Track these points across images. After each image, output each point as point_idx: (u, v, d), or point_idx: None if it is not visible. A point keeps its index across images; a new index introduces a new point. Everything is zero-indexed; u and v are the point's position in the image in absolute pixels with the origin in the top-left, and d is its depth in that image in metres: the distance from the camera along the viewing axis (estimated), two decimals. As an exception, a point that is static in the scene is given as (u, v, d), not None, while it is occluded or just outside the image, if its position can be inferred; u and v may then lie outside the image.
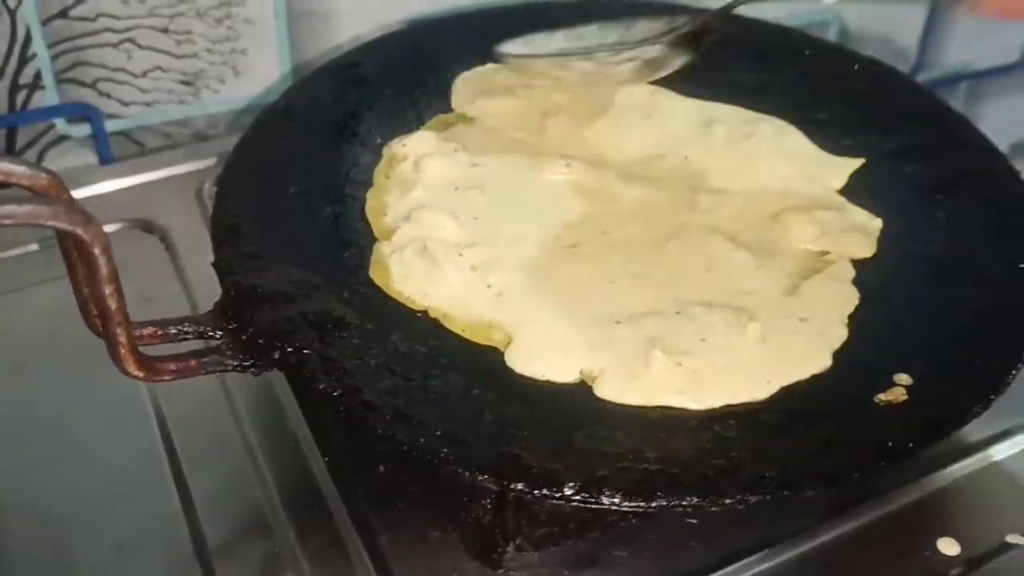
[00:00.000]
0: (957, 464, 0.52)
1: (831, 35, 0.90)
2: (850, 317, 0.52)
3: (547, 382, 0.48)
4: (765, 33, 0.71)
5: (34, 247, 0.62)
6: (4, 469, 0.50)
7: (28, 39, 0.66)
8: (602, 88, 0.66)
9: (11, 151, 0.69)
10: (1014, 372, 0.46)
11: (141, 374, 0.42)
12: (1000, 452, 0.53)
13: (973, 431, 0.47)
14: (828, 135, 0.64)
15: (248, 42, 0.72)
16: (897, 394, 0.46)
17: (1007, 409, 0.46)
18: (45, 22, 0.66)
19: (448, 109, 0.65)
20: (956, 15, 0.95)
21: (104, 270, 0.37)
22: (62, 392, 0.54)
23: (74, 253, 0.40)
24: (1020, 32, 1.01)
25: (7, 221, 0.34)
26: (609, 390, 0.47)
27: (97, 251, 0.37)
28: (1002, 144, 0.62)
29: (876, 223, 0.58)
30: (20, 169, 0.37)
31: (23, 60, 0.66)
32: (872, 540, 0.49)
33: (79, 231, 0.36)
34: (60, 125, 0.70)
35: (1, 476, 0.49)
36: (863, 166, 0.62)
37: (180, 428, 0.52)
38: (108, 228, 0.62)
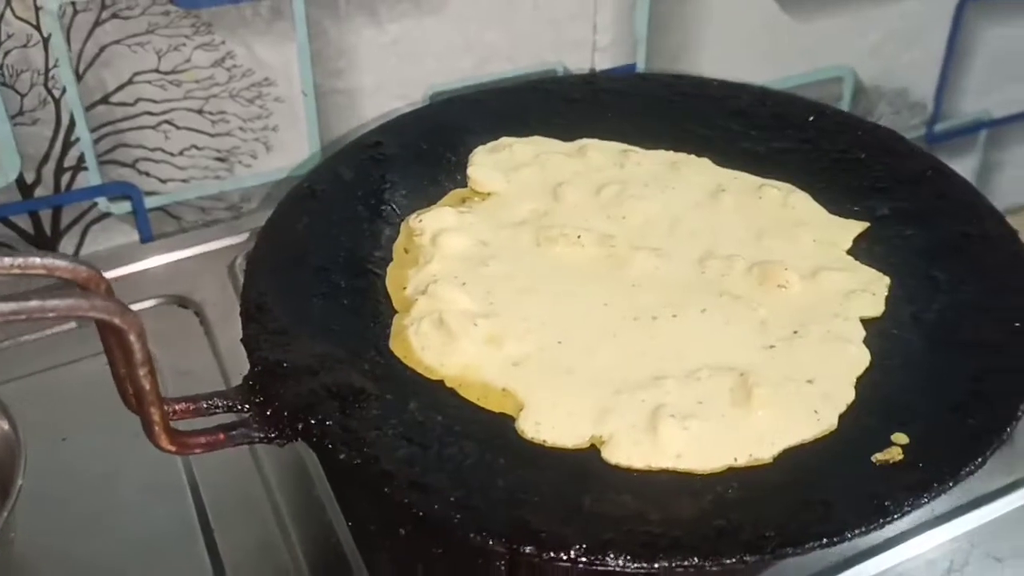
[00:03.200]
0: (965, 516, 0.54)
1: (846, 90, 0.91)
2: (858, 379, 0.52)
3: (558, 447, 0.49)
4: (769, 101, 0.73)
5: (72, 325, 0.65)
6: (46, 539, 0.52)
7: (72, 124, 0.69)
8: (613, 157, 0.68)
9: (56, 229, 0.72)
10: (1006, 433, 0.47)
11: (173, 448, 0.44)
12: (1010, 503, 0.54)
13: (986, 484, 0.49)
14: (832, 201, 0.65)
15: (279, 119, 0.74)
16: (893, 454, 0.47)
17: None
18: (88, 108, 0.69)
19: (464, 183, 0.67)
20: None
21: (139, 355, 0.40)
22: (102, 464, 0.56)
23: (111, 339, 0.42)
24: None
25: (51, 313, 0.37)
26: (617, 455, 0.48)
27: (132, 337, 0.39)
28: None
29: (884, 282, 0.58)
30: (62, 264, 0.39)
31: (67, 144, 0.69)
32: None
33: (116, 320, 0.39)
34: (102, 203, 0.73)
35: (42, 546, 0.51)
36: (866, 230, 0.62)
37: (213, 496, 0.54)
38: (147, 304, 0.66)
